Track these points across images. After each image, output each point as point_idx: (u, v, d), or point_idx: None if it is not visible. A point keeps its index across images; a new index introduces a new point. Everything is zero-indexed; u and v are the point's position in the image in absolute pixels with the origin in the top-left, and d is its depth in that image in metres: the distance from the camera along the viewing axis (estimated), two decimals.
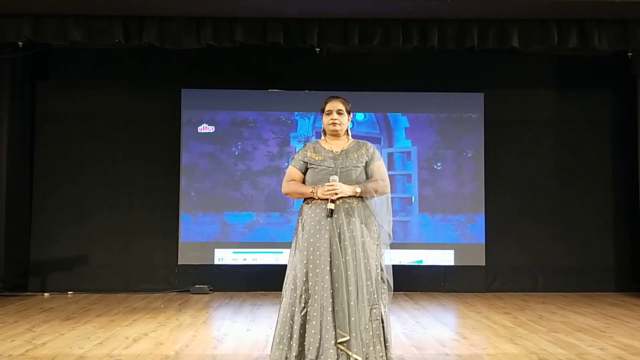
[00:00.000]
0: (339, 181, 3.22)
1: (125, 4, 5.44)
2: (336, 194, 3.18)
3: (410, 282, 6.87)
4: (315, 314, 3.12)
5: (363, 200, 3.26)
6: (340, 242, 3.17)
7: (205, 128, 7.06)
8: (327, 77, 7.00)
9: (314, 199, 3.26)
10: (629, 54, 6.29)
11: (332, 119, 3.35)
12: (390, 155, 7.05)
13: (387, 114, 7.09)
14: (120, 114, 7.04)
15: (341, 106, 3.36)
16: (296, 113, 7.04)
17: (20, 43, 5.77)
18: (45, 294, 6.57)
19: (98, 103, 7.02)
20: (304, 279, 3.18)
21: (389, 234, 3.33)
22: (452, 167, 7.10)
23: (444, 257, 7.02)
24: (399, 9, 5.46)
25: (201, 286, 6.74)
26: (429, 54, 6.81)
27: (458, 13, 5.57)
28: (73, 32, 5.58)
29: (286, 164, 6.91)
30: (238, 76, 7.10)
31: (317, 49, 6.09)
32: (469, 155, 7.11)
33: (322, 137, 3.46)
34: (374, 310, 3.15)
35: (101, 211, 6.90)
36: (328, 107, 3.37)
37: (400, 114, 7.10)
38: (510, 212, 7.09)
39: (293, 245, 3.34)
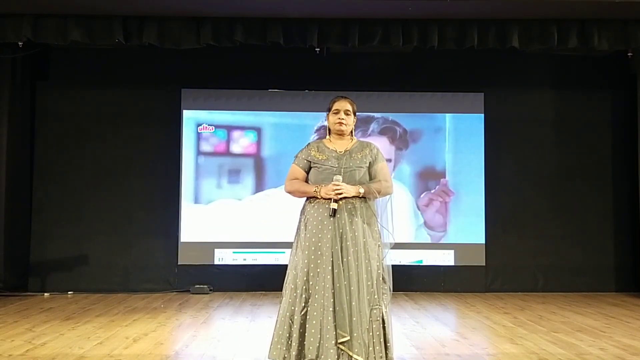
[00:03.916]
0: (343, 181, 3.22)
1: (125, 4, 5.45)
2: (340, 194, 3.19)
3: (410, 282, 6.87)
4: (315, 313, 3.12)
5: (366, 201, 3.26)
6: (342, 242, 3.17)
7: (205, 128, 7.06)
8: (327, 77, 7.00)
9: (317, 198, 3.26)
10: (629, 54, 6.29)
11: (339, 119, 3.36)
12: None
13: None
14: (120, 114, 7.04)
15: (349, 106, 3.37)
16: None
17: (20, 43, 5.77)
18: (45, 294, 6.57)
19: (98, 103, 7.02)
20: (305, 279, 3.18)
21: (392, 236, 3.34)
22: (452, 167, 7.10)
23: (444, 257, 7.02)
24: (399, 9, 5.46)
25: (201, 286, 6.74)
26: (429, 54, 6.80)
27: (458, 13, 5.57)
28: (73, 32, 5.59)
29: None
30: (238, 76, 7.09)
31: (317, 49, 6.09)
32: (469, 155, 7.11)
33: (326, 136, 3.47)
34: (374, 311, 3.15)
35: (101, 211, 6.90)
36: (336, 106, 3.38)
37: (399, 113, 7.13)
38: (510, 212, 7.09)
39: (294, 244, 3.34)
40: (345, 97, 3.42)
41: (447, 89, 7.17)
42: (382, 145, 6.97)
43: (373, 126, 7.07)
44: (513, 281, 7.03)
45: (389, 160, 6.94)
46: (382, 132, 7.07)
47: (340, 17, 5.64)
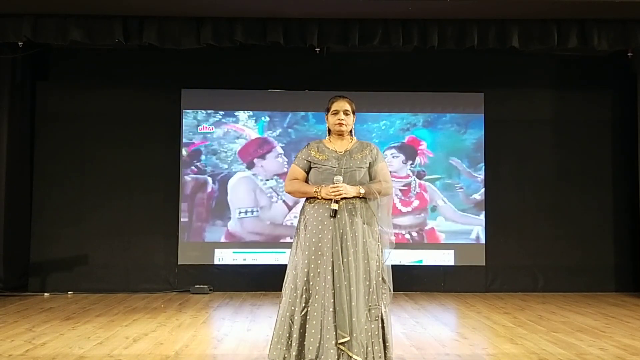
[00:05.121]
0: (343, 182, 3.22)
1: (125, 4, 5.44)
2: (340, 194, 3.18)
3: (410, 282, 6.87)
4: (315, 313, 3.12)
5: (366, 201, 3.26)
6: (342, 243, 3.17)
7: (205, 128, 7.06)
8: (327, 77, 7.00)
9: (317, 198, 3.26)
10: (629, 54, 6.28)
11: (338, 119, 3.35)
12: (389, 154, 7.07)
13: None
14: (120, 114, 7.04)
15: (347, 106, 3.37)
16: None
17: (20, 43, 5.77)
18: (45, 294, 6.57)
19: (98, 103, 7.02)
20: (305, 279, 3.18)
21: (391, 239, 3.33)
22: (452, 167, 7.10)
23: (444, 257, 7.02)
24: (399, 9, 5.46)
25: (201, 286, 6.74)
26: (429, 54, 6.80)
27: (458, 13, 5.57)
28: (73, 32, 5.58)
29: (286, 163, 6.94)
30: (238, 76, 7.09)
31: (317, 49, 6.09)
32: (469, 155, 7.11)
33: (326, 137, 3.47)
34: (373, 311, 3.15)
35: (101, 211, 6.90)
36: (334, 106, 3.37)
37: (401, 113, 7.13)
38: (510, 212, 7.09)
39: (294, 244, 3.34)
40: (344, 97, 3.41)
41: (447, 89, 7.17)
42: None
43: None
44: (513, 281, 7.03)
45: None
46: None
47: (340, 17, 5.64)
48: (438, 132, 7.13)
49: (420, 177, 7.07)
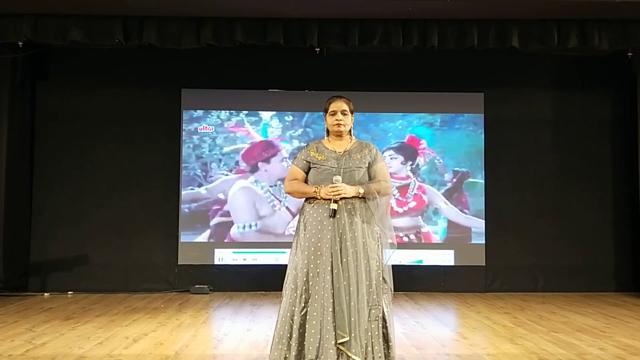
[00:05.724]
0: (342, 181, 3.22)
1: (125, 4, 5.44)
2: (340, 194, 3.18)
3: (410, 282, 6.87)
4: (315, 313, 3.12)
5: (365, 201, 3.26)
6: (342, 243, 3.17)
7: (205, 128, 7.06)
8: (327, 77, 7.00)
9: (317, 198, 3.26)
10: (629, 53, 6.29)
11: (336, 120, 3.35)
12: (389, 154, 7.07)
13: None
14: (120, 114, 7.04)
15: (345, 106, 3.36)
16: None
17: (20, 43, 5.77)
18: (45, 294, 6.57)
19: (98, 103, 7.03)
20: (305, 279, 3.18)
21: (391, 240, 3.33)
22: (451, 167, 7.10)
23: (444, 257, 7.02)
24: (399, 9, 5.46)
25: (201, 286, 6.74)
26: (429, 54, 6.80)
27: (458, 13, 5.57)
28: (73, 32, 5.59)
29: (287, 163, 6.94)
30: (238, 76, 7.10)
31: (317, 49, 6.09)
32: (469, 155, 7.10)
33: (325, 137, 3.47)
34: (373, 311, 3.15)
35: (101, 211, 6.90)
36: (332, 107, 3.37)
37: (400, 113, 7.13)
38: (510, 212, 7.09)
39: (294, 244, 3.34)
40: (341, 97, 3.41)
41: (447, 89, 7.17)
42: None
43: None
44: (513, 281, 7.03)
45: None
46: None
47: (340, 17, 5.64)
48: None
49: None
